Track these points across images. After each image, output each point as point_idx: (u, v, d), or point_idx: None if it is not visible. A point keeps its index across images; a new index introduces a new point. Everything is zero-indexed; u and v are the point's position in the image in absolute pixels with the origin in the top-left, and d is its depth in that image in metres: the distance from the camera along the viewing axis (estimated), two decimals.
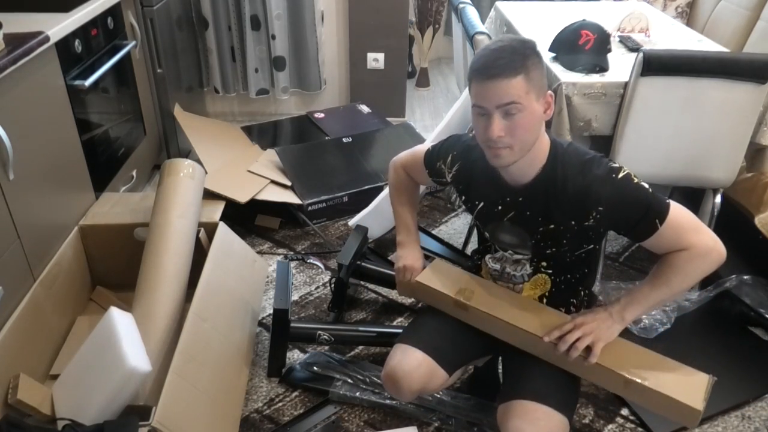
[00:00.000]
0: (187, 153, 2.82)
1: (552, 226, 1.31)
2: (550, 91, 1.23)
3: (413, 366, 1.37)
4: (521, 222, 1.34)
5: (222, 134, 2.78)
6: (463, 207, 1.49)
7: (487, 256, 1.48)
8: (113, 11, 2.23)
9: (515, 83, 1.17)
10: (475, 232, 2.36)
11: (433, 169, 1.50)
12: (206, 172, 2.16)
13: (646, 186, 1.25)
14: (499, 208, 1.37)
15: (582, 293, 1.46)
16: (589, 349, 1.26)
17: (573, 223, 1.28)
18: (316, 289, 2.11)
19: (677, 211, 1.25)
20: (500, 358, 1.59)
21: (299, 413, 1.65)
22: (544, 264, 1.39)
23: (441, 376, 1.41)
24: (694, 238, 1.24)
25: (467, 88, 2.37)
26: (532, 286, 1.43)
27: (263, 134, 2.96)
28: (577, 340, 1.26)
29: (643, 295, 1.29)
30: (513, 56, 1.17)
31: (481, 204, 1.40)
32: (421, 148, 1.55)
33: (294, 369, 1.77)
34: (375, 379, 1.69)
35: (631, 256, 2.27)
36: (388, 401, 1.65)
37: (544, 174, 1.28)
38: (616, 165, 1.26)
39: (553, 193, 1.27)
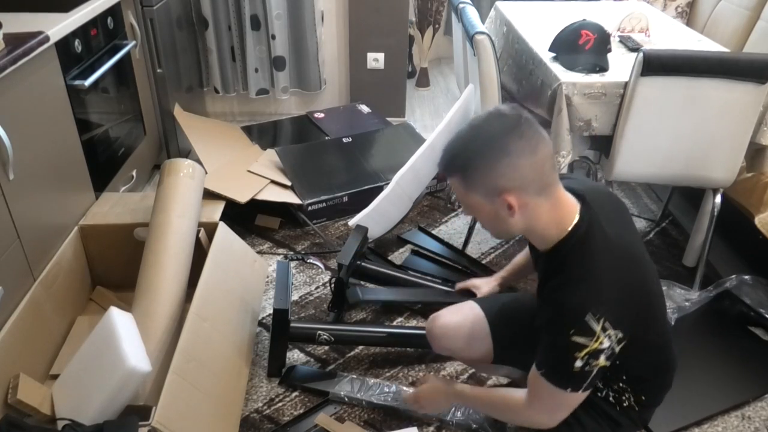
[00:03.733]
0: (187, 153, 2.82)
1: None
2: (512, 196, 1.09)
3: (468, 318, 1.45)
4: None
5: (222, 134, 2.78)
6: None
7: None
8: (113, 11, 2.23)
9: (453, 183, 1.15)
10: (475, 233, 2.37)
11: None
12: (206, 172, 2.16)
13: (577, 367, 1.09)
14: (537, 260, 1.31)
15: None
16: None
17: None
18: (316, 289, 2.11)
19: (559, 392, 1.14)
20: None
21: (299, 413, 1.65)
22: None
23: (485, 348, 1.44)
24: (539, 408, 1.20)
25: (467, 88, 2.38)
26: None
27: (263, 134, 2.96)
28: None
29: (476, 398, 1.36)
30: (454, 157, 1.13)
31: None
32: None
33: (294, 369, 1.77)
34: (374, 380, 1.69)
35: None
36: (388, 403, 1.65)
37: (549, 258, 1.18)
38: (588, 329, 1.06)
39: (547, 276, 1.19)
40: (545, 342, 1.15)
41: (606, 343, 1.08)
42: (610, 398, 1.29)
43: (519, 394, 1.23)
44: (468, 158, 1.10)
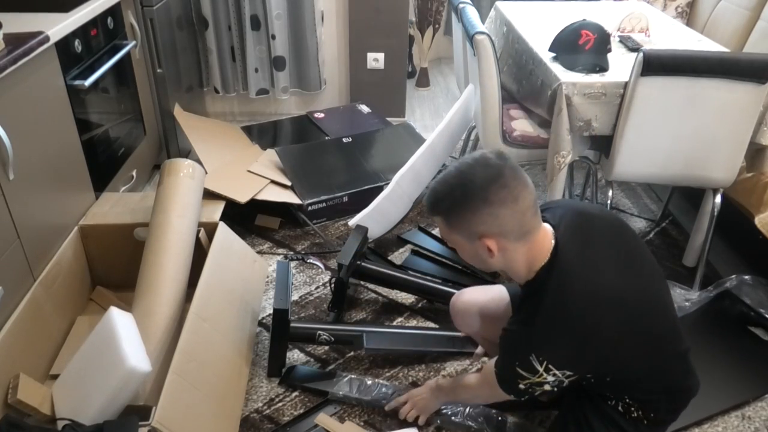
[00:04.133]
0: (187, 153, 2.82)
1: None
2: (491, 241, 1.14)
3: (494, 300, 1.54)
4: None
5: (222, 134, 2.78)
6: None
7: None
8: (113, 11, 2.23)
9: (437, 220, 1.21)
10: None
11: None
12: (206, 172, 2.16)
13: (521, 387, 1.22)
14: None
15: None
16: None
17: None
18: (316, 289, 2.11)
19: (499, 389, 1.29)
20: None
21: (299, 413, 1.65)
22: None
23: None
24: (486, 390, 1.37)
25: (467, 88, 2.38)
26: None
27: (263, 134, 2.96)
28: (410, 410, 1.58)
29: (451, 390, 1.50)
30: (436, 200, 1.18)
31: None
32: None
33: (294, 369, 1.77)
34: (372, 380, 1.69)
35: None
36: (387, 403, 1.65)
37: (522, 289, 1.26)
38: (531, 366, 1.15)
39: (516, 306, 1.31)
40: (500, 352, 1.26)
41: (550, 379, 1.16)
42: (619, 407, 1.31)
43: (473, 378, 1.42)
44: (451, 204, 1.15)
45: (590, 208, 1.30)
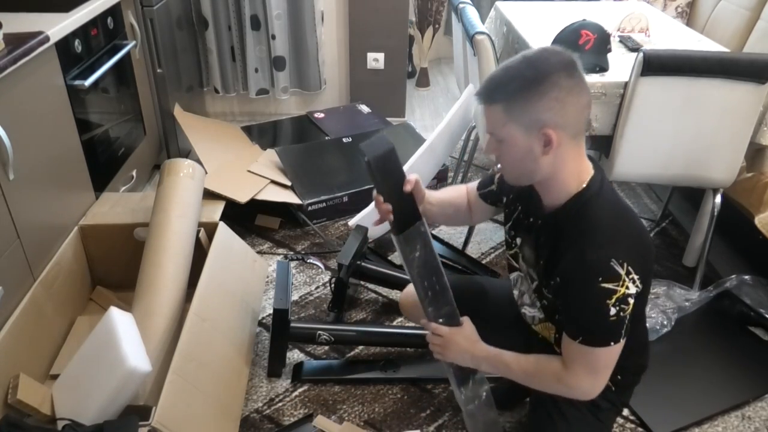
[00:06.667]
0: (187, 153, 2.82)
1: (543, 267, 1.24)
2: (552, 131, 1.08)
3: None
4: (536, 245, 1.28)
5: (222, 134, 2.78)
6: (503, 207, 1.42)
7: (512, 275, 1.43)
8: (113, 11, 2.23)
9: (491, 112, 1.12)
10: (475, 233, 2.37)
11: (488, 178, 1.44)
12: (206, 172, 2.16)
13: (612, 314, 1.10)
14: (530, 220, 1.29)
15: None
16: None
17: (550, 280, 1.22)
18: (316, 289, 2.11)
19: (601, 351, 1.15)
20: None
21: (298, 416, 1.64)
22: (545, 303, 1.31)
23: None
24: (581, 373, 1.18)
25: (467, 88, 2.38)
26: (543, 327, 1.37)
27: (263, 134, 2.96)
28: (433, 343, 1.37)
29: (504, 363, 1.29)
30: (498, 84, 1.11)
31: (519, 209, 1.34)
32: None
33: (303, 364, 1.78)
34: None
35: None
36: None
37: (564, 212, 1.18)
38: (615, 273, 1.09)
39: (560, 235, 1.19)
40: (574, 307, 1.16)
41: (632, 288, 1.10)
42: None
43: (557, 362, 1.22)
44: (518, 86, 1.08)
45: None
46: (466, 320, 1.35)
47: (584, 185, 1.15)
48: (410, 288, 1.59)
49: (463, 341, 1.33)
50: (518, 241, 1.34)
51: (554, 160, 1.12)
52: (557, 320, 1.28)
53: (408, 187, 1.26)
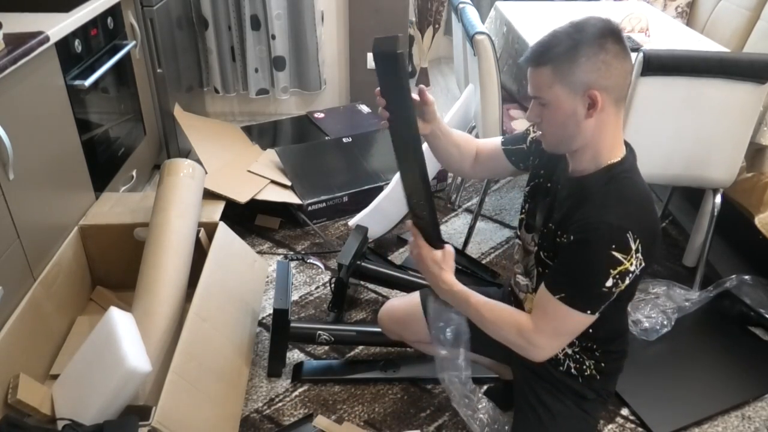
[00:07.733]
0: (187, 153, 2.82)
1: (553, 228, 1.25)
2: (596, 90, 1.11)
3: (409, 303, 1.53)
4: (551, 206, 1.28)
5: (222, 134, 2.78)
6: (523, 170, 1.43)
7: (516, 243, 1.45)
8: (113, 11, 2.23)
9: (538, 74, 1.14)
10: (475, 233, 2.37)
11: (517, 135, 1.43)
12: (206, 172, 2.16)
13: (607, 285, 1.12)
14: (549, 185, 1.31)
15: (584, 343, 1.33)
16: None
17: (557, 239, 1.22)
18: (316, 289, 2.11)
19: (574, 315, 1.15)
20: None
21: (298, 416, 1.65)
22: (540, 270, 1.32)
23: (422, 330, 1.48)
24: (545, 331, 1.18)
25: (467, 88, 2.38)
26: (532, 299, 1.36)
27: (263, 134, 2.96)
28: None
29: (466, 302, 1.27)
30: (547, 47, 1.13)
31: (542, 174, 1.34)
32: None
33: (303, 364, 1.78)
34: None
35: None
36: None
37: (593, 178, 1.19)
38: (628, 246, 1.10)
39: (584, 199, 1.19)
40: (573, 264, 1.16)
41: (633, 267, 1.12)
42: (572, 370, 1.33)
43: (524, 317, 1.22)
44: (568, 48, 1.11)
45: None
46: (447, 248, 1.33)
47: (618, 159, 1.18)
48: (390, 303, 1.63)
49: (431, 264, 1.31)
50: (527, 207, 1.37)
51: (596, 125, 1.14)
52: (541, 274, 1.29)
53: (415, 96, 1.26)
